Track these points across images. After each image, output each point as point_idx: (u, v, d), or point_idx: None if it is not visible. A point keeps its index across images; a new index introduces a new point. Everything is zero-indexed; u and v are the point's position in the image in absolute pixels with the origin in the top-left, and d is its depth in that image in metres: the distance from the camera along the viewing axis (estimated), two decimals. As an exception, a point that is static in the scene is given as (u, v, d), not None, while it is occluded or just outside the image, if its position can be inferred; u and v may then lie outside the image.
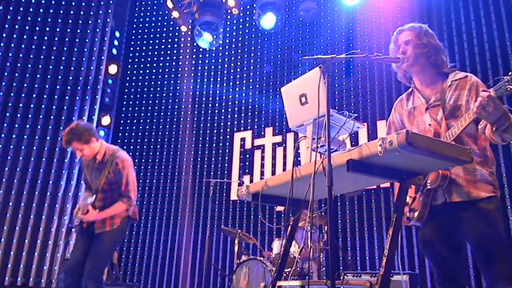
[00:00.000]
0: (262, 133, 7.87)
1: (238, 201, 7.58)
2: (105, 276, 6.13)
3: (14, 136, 7.37)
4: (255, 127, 7.96)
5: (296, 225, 2.77)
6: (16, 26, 7.87)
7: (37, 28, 7.93)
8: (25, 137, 7.38)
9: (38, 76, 7.73)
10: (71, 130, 3.56)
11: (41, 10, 8.03)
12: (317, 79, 2.16)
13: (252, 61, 8.35)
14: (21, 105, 7.54)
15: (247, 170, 7.74)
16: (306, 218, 4.20)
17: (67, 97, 7.73)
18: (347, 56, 2.21)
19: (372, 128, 6.72)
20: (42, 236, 6.97)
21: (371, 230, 6.41)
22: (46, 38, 7.92)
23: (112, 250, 3.66)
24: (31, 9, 7.99)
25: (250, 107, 8.12)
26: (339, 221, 6.60)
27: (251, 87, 8.22)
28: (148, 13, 9.44)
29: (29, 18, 7.94)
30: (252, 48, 8.43)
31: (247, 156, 7.84)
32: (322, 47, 7.60)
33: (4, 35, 7.78)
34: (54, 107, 7.61)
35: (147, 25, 9.34)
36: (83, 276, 3.45)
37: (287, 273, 4.58)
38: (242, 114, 8.14)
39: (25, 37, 7.86)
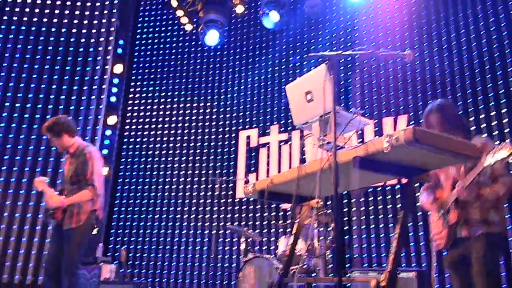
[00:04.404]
0: (268, 131, 7.86)
1: (244, 199, 7.58)
2: (114, 274, 6.17)
3: (22, 136, 7.43)
4: (261, 125, 7.95)
5: (302, 222, 2.77)
6: (23, 27, 7.92)
7: (43, 29, 7.98)
8: (33, 137, 7.43)
9: (44, 76, 7.77)
10: (48, 121, 3.89)
11: (47, 11, 8.07)
12: (323, 76, 2.16)
13: (257, 58, 8.34)
14: (28, 105, 7.59)
15: (252, 168, 7.74)
16: (312, 215, 4.20)
17: (73, 97, 7.78)
18: (353, 52, 2.21)
19: (379, 125, 6.69)
20: (40, 235, 7.02)
21: (377, 227, 6.39)
22: (52, 38, 7.97)
23: (80, 246, 3.73)
24: (36, 10, 8.03)
25: (255, 105, 8.11)
26: (345, 218, 6.59)
27: (256, 84, 8.21)
28: (152, 12, 9.44)
29: (35, 19, 7.99)
30: (257, 45, 8.41)
31: (253, 154, 7.83)
32: (328, 43, 7.56)
33: (11, 36, 7.83)
34: (60, 107, 7.65)
35: (151, 24, 9.35)
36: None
37: (294, 270, 4.57)
38: (247, 112, 8.13)
39: (31, 38, 7.91)
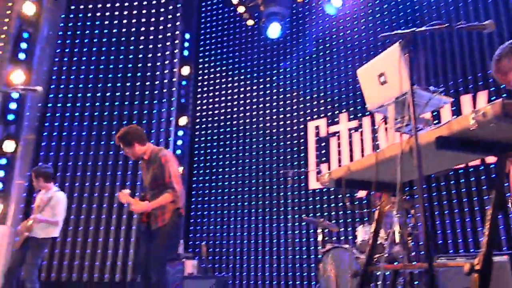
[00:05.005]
0: (337, 119, 7.73)
1: (317, 190, 7.53)
2: (196, 269, 6.39)
3: (102, 143, 7.89)
4: (329, 114, 7.84)
5: (383, 208, 2.69)
6: (95, 40, 8.39)
7: (114, 40, 8.41)
8: (112, 143, 7.87)
9: (118, 84, 8.20)
10: (119, 132, 3.98)
11: (116, 22, 8.49)
12: (397, 56, 2.07)
13: (320, 47, 8.22)
14: (106, 113, 8.04)
15: (324, 159, 7.65)
16: (391, 202, 4.06)
17: (146, 102, 8.13)
18: (428, 28, 2.08)
19: (456, 104, 6.32)
20: (114, 235, 7.43)
21: (461, 211, 6.07)
22: (122, 48, 8.38)
23: (167, 244, 3.82)
24: (106, 22, 8.47)
25: (322, 94, 8.01)
26: (427, 204, 6.32)
27: (321, 73, 8.10)
28: (214, 12, 9.63)
29: (105, 31, 8.43)
30: (320, 33, 8.29)
31: (323, 144, 7.75)
32: (402, 23, 7.24)
33: (85, 49, 8.33)
34: (135, 112, 8.03)
35: (214, 23, 9.54)
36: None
37: (376, 259, 4.47)
38: (314, 102, 8.06)
39: (103, 49, 8.36)
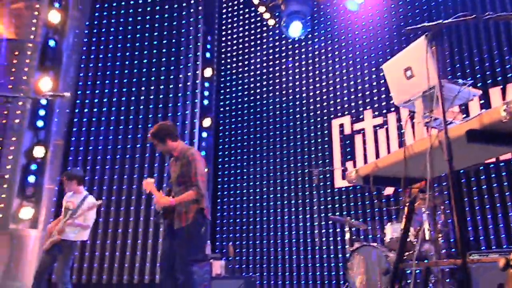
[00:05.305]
0: (361, 116, 7.65)
1: (343, 189, 7.47)
2: (224, 270, 6.42)
3: (129, 146, 8.01)
4: (353, 111, 7.77)
5: (413, 205, 2.65)
6: (119, 45, 8.54)
7: (137, 44, 8.54)
8: (138, 146, 7.99)
9: (143, 88, 8.31)
10: (152, 128, 4.08)
11: (138, 27, 8.62)
12: (423, 50, 2.03)
13: (343, 44, 8.15)
14: (131, 117, 8.17)
15: (349, 157, 7.58)
16: (420, 199, 3.99)
17: (170, 105, 8.22)
18: (454, 20, 2.04)
19: (484, 97, 6.16)
20: (142, 237, 7.52)
21: (493, 207, 5.92)
22: (145, 52, 8.49)
23: (191, 244, 3.85)
24: (129, 27, 8.61)
25: (345, 91, 7.94)
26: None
27: (344, 71, 8.03)
28: (235, 13, 9.67)
29: (129, 36, 8.57)
30: (342, 30, 8.21)
31: (347, 142, 7.68)
32: (425, 17, 7.10)
33: (109, 54, 8.49)
34: (159, 115, 8.12)
35: (235, 24, 9.58)
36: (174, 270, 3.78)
37: (406, 256, 4.40)
38: (338, 100, 7.99)
39: (127, 54, 8.50)
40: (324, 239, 7.36)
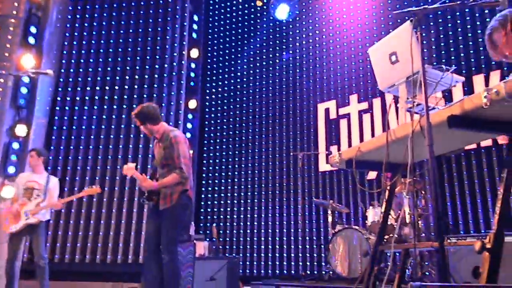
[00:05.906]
0: (347, 101, 7.68)
1: (327, 173, 7.54)
2: (207, 250, 6.47)
3: (113, 126, 7.93)
4: (339, 96, 7.79)
5: (394, 189, 2.69)
6: (104, 23, 8.38)
7: (123, 23, 8.39)
8: (123, 126, 7.90)
9: (128, 68, 8.20)
10: (135, 110, 4.11)
11: (124, 5, 8.46)
12: (408, 35, 2.04)
13: (330, 27, 8.12)
14: (116, 97, 8.06)
15: (333, 141, 7.64)
16: (401, 183, 4.06)
17: (155, 86, 8.12)
18: (440, 6, 2.05)
19: (468, 84, 6.24)
20: (126, 216, 7.51)
21: (473, 192, 6.04)
22: (131, 30, 8.35)
23: (176, 224, 3.90)
24: (115, 5, 8.45)
25: (331, 75, 7.94)
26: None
27: (331, 55, 8.02)
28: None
29: (114, 14, 8.41)
30: (330, 14, 8.18)
31: (333, 126, 7.72)
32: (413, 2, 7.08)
33: (94, 32, 8.33)
34: (145, 96, 8.03)
35: (223, 5, 9.45)
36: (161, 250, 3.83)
37: (386, 239, 4.48)
38: (324, 84, 8.00)
39: (112, 32, 8.35)
40: (307, 221, 7.45)
